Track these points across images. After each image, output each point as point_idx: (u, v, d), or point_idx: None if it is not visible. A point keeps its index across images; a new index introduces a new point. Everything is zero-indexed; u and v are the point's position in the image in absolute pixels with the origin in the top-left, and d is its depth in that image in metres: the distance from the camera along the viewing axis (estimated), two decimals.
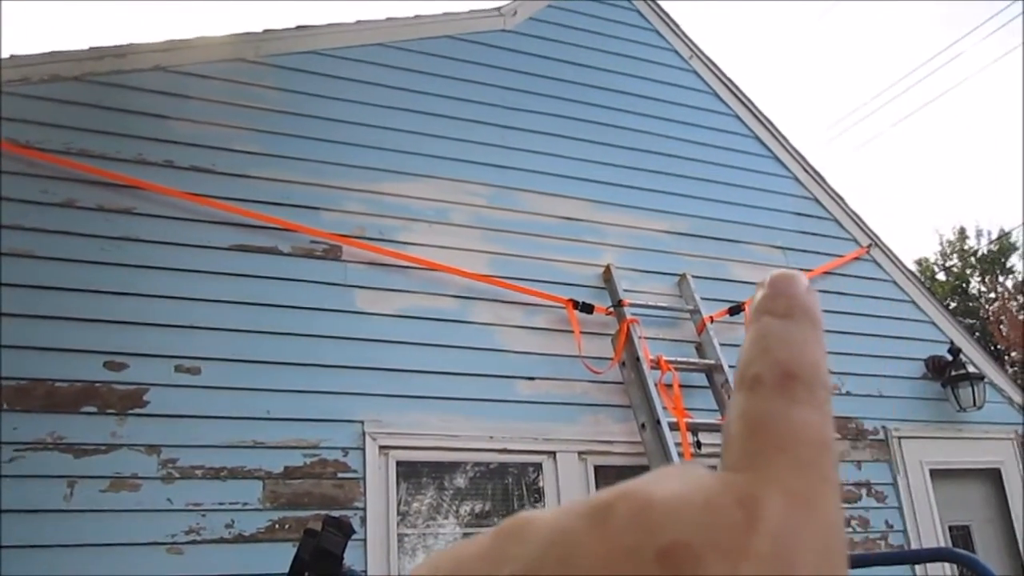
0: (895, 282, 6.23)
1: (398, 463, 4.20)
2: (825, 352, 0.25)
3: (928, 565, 5.13)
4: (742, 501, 0.21)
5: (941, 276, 23.40)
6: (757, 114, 6.23)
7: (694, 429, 4.56)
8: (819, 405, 0.24)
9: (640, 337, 4.72)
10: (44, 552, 3.41)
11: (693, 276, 5.27)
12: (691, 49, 6.20)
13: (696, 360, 4.98)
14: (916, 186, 38.29)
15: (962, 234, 23.72)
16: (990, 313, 21.57)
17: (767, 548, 0.20)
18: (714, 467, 0.24)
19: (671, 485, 0.22)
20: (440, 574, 0.23)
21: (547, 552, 0.21)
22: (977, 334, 19.58)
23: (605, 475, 4.67)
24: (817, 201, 6.20)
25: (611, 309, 4.88)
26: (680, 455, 4.33)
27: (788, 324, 0.25)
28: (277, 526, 3.81)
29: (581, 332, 4.70)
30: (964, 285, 22.98)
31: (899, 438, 5.56)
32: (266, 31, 4.76)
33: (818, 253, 5.95)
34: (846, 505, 5.08)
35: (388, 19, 5.13)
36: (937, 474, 5.60)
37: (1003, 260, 22.85)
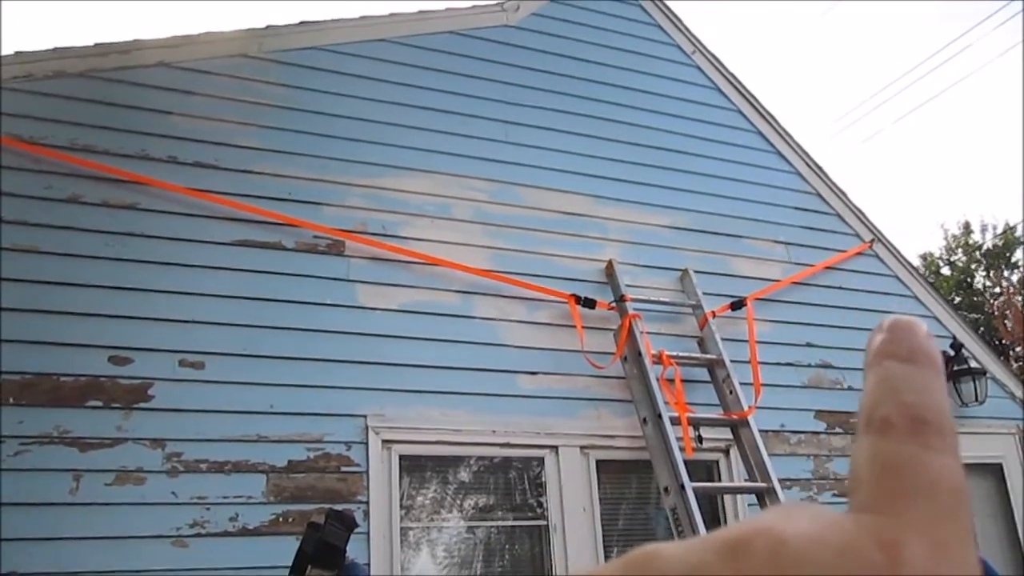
0: (897, 277, 6.23)
1: (401, 457, 4.22)
2: (948, 398, 0.25)
3: None
4: (882, 545, 0.21)
5: (946, 271, 23.35)
6: (760, 109, 6.23)
7: (695, 424, 4.58)
8: (952, 451, 0.24)
9: (642, 332, 4.73)
10: (50, 545, 3.44)
11: (695, 271, 5.28)
12: (693, 44, 6.20)
13: (698, 355, 5.00)
14: (921, 181, 38.18)
15: (967, 229, 23.65)
16: (995, 308, 21.52)
17: None
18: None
19: (804, 523, 0.22)
20: None
21: None
22: (982, 329, 19.55)
23: (607, 469, 4.69)
24: (820, 196, 6.20)
25: (613, 304, 4.89)
26: (681, 449, 4.34)
27: (913, 368, 0.25)
28: (281, 519, 3.84)
29: (583, 327, 4.72)
30: (969, 280, 22.93)
31: None
32: (269, 27, 4.77)
33: (820, 248, 5.95)
34: (845, 499, 5.09)
35: (391, 15, 5.14)
36: None
37: (1008, 255, 22.78)
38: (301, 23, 4.85)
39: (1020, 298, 21.18)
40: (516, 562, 4.49)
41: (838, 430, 5.35)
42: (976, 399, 5.77)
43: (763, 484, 4.50)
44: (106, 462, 3.64)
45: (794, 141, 6.27)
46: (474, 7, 5.43)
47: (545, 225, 5.03)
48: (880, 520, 0.22)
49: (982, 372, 5.90)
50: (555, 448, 4.56)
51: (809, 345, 5.48)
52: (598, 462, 4.64)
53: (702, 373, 4.98)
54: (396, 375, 4.30)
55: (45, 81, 4.14)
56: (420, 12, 5.24)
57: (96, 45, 4.33)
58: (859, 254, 6.13)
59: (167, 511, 3.67)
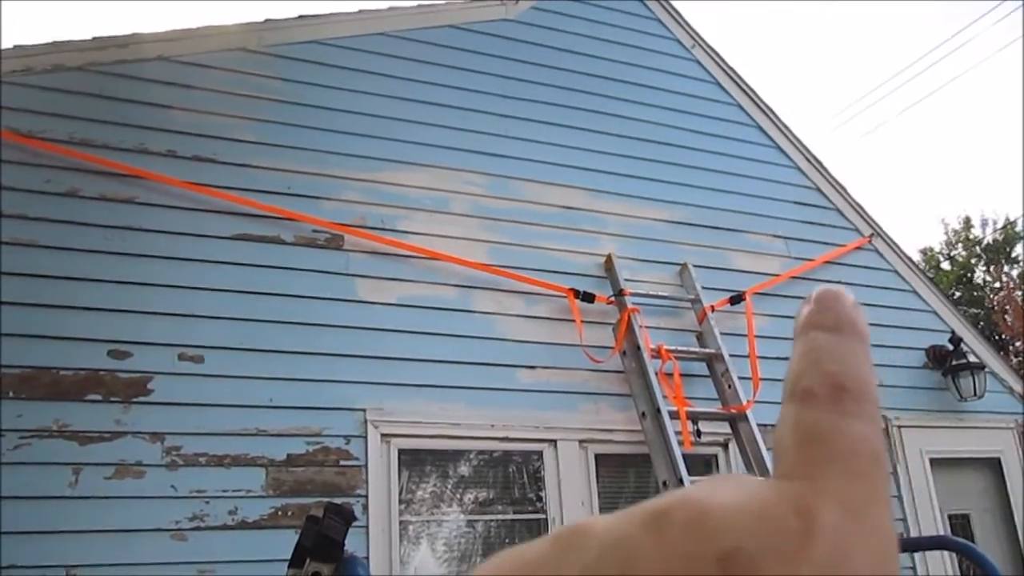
0: (897, 272, 6.23)
1: (400, 451, 4.23)
2: (872, 366, 0.26)
3: (927, 553, 5.15)
4: (798, 510, 0.22)
5: (946, 265, 23.34)
6: (759, 103, 6.23)
7: (694, 418, 4.58)
8: (870, 418, 0.24)
9: (641, 326, 4.74)
10: (49, 538, 3.45)
11: (694, 265, 5.28)
12: (693, 38, 6.19)
13: (697, 349, 5.00)
14: (922, 175, 38.16)
15: (967, 223, 23.64)
16: (995, 303, 21.52)
17: (824, 556, 0.21)
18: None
19: (726, 493, 0.22)
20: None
21: (606, 558, 0.22)
22: (982, 324, 19.55)
23: (606, 463, 4.69)
24: (819, 191, 6.20)
25: (612, 298, 4.89)
26: (680, 443, 4.35)
27: (837, 338, 0.26)
28: (280, 513, 3.85)
29: (582, 321, 4.72)
30: (969, 275, 22.92)
31: (899, 427, 5.57)
32: (268, 21, 4.77)
33: (820, 243, 5.95)
34: None
35: (390, 8, 5.13)
36: (937, 463, 5.62)
37: (1008, 250, 22.77)
38: (300, 17, 4.85)
39: (1020, 293, 21.17)
40: None
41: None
42: (975, 394, 5.77)
43: (761, 478, 4.50)
44: (105, 456, 3.65)
45: (793, 135, 6.26)
46: (473, 1, 5.43)
47: (544, 219, 5.03)
48: (799, 486, 0.23)
49: (981, 367, 5.90)
50: (554, 442, 4.57)
51: None
52: (597, 456, 4.65)
53: (701, 367, 4.98)
54: (395, 369, 4.30)
55: (43, 75, 4.13)
56: (419, 6, 5.23)
57: (95, 39, 4.32)
58: (858, 249, 6.13)
59: (166, 504, 3.68)
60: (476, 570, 0.25)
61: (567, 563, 0.22)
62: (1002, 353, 9.47)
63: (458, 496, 4.48)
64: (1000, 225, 23.00)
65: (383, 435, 4.18)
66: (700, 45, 6.20)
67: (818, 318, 0.27)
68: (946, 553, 5.15)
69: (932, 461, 5.59)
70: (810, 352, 0.26)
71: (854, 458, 0.23)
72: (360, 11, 5.03)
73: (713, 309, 5.09)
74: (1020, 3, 20.02)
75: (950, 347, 5.92)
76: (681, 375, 4.73)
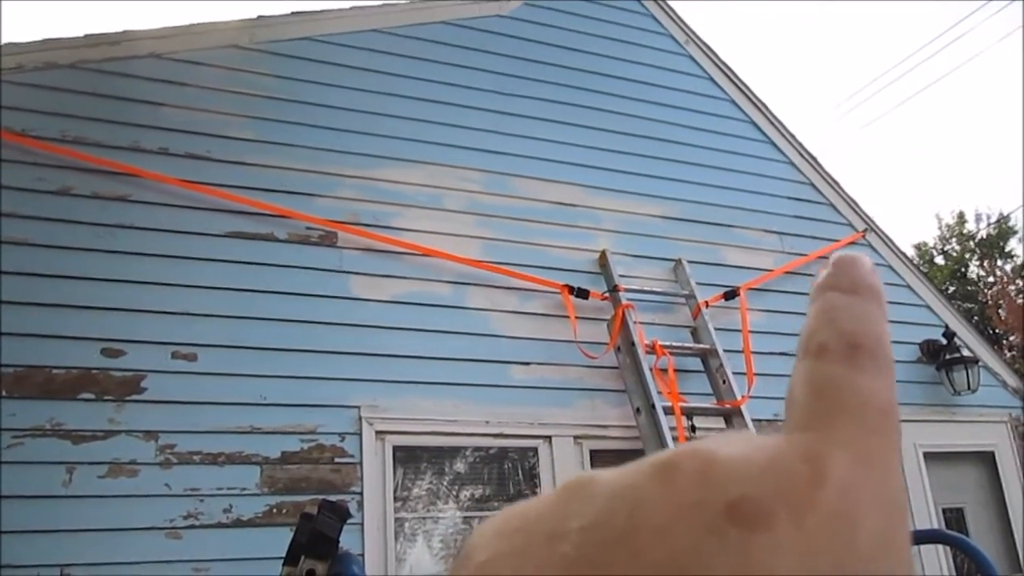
0: (891, 267, 6.24)
1: (395, 448, 4.23)
2: (888, 327, 0.26)
3: (921, 547, 5.17)
4: (808, 457, 0.22)
5: (940, 260, 23.41)
6: (753, 99, 6.23)
7: (689, 413, 4.59)
8: (883, 374, 0.25)
9: (635, 322, 4.74)
10: (43, 537, 3.44)
11: (688, 261, 5.28)
12: (687, 34, 6.19)
13: (691, 345, 5.01)
14: (917, 169, 38.25)
15: (961, 218, 23.71)
16: (989, 297, 21.58)
17: (832, 502, 0.21)
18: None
19: (735, 445, 0.23)
20: (508, 529, 0.24)
21: (614, 506, 0.22)
22: (976, 318, 19.61)
23: (601, 459, 4.70)
24: (813, 186, 6.21)
25: (606, 294, 4.90)
26: (675, 439, 4.35)
27: (853, 299, 0.26)
28: (275, 511, 3.84)
29: (576, 317, 4.72)
30: (963, 269, 22.99)
31: None
32: (260, 17, 4.75)
33: (814, 238, 5.95)
34: None
35: (383, 5, 5.12)
36: (931, 457, 5.63)
37: (1002, 244, 22.85)
38: (293, 14, 4.83)
39: (1014, 287, 21.24)
40: None
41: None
42: (969, 388, 5.79)
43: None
44: (99, 454, 3.64)
45: (787, 131, 6.27)
46: None
47: (538, 215, 5.03)
48: (809, 437, 0.23)
49: (974, 361, 5.92)
50: (548, 438, 4.57)
51: None
52: (592, 452, 4.65)
53: (695, 363, 4.99)
54: (389, 366, 4.30)
55: (35, 72, 4.12)
56: (412, 2, 5.22)
57: (86, 36, 4.31)
58: (852, 244, 6.13)
59: (160, 503, 3.67)
60: (482, 524, 0.25)
61: (574, 513, 0.22)
62: (995, 347, 9.50)
63: (454, 493, 4.48)
64: (994, 220, 23.07)
65: (377, 432, 4.18)
66: (693, 41, 6.20)
67: (835, 280, 0.27)
68: (940, 546, 5.16)
69: (926, 455, 5.60)
70: (826, 311, 0.26)
71: (865, 410, 0.23)
72: (353, 7, 5.02)
73: (707, 305, 5.09)
74: None
75: (944, 341, 5.93)
76: (676, 371, 4.73)
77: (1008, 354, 18.29)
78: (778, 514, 0.21)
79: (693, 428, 4.55)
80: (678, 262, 5.30)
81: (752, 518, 0.21)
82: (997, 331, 19.96)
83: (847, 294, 0.26)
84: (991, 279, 22.32)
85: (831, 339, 0.25)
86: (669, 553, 0.21)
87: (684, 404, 4.59)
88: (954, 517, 5.70)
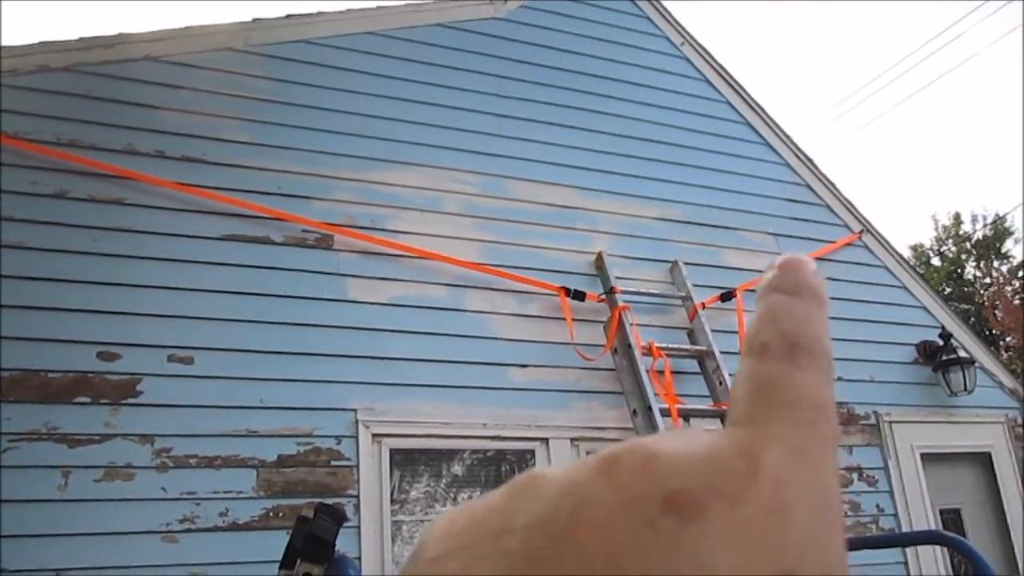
0: (887, 268, 6.25)
1: (392, 451, 4.22)
2: (828, 327, 0.27)
3: (918, 548, 5.17)
4: (744, 452, 0.23)
5: (936, 261, 23.44)
6: (749, 100, 6.24)
7: (685, 415, 4.59)
8: (820, 371, 0.26)
9: (632, 324, 4.74)
10: (39, 542, 3.43)
11: (685, 263, 5.29)
12: (682, 36, 6.20)
13: (688, 346, 5.01)
14: (914, 170, 38.32)
15: (957, 219, 23.75)
16: (985, 298, 21.62)
17: (765, 495, 0.22)
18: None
19: (676, 440, 0.23)
20: (457, 527, 0.25)
21: (559, 503, 0.23)
22: (972, 319, 19.63)
23: None
24: (809, 187, 6.22)
25: (603, 296, 4.90)
26: None
27: (795, 300, 0.27)
28: (271, 514, 3.83)
29: (573, 319, 4.72)
30: (959, 270, 23.03)
31: (890, 423, 5.59)
32: (255, 20, 4.75)
33: (810, 239, 5.96)
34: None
35: (378, 7, 5.12)
36: (928, 458, 5.64)
37: (998, 245, 22.89)
38: (288, 17, 4.83)
39: (1010, 288, 21.28)
40: None
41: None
42: (965, 388, 5.79)
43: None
44: (95, 458, 3.63)
45: (783, 132, 6.28)
46: None
47: (535, 218, 5.03)
48: (746, 432, 0.24)
49: (971, 362, 5.92)
50: (546, 440, 4.57)
51: None
52: (588, 454, 4.64)
53: (692, 364, 4.99)
54: (386, 369, 4.30)
55: (30, 76, 4.11)
56: (408, 4, 5.22)
57: (81, 39, 4.30)
58: (848, 245, 6.14)
59: (157, 507, 3.66)
60: (434, 521, 0.25)
61: (521, 509, 0.23)
62: (992, 348, 9.51)
63: (451, 496, 4.47)
64: (990, 221, 23.12)
65: (374, 435, 4.18)
66: (689, 43, 6.21)
67: (779, 282, 0.28)
68: (937, 548, 5.17)
69: (923, 456, 5.61)
70: (769, 312, 0.27)
71: (801, 405, 0.24)
72: (348, 10, 5.01)
73: (704, 306, 5.09)
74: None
75: (940, 342, 5.94)
76: (672, 372, 4.73)
77: (1005, 355, 18.32)
78: (712, 505, 0.21)
79: None
80: (674, 264, 5.30)
81: (686, 509, 0.21)
82: (994, 332, 19.99)
83: (790, 295, 0.27)
84: (987, 280, 22.35)
85: (772, 339, 0.26)
86: (610, 547, 0.21)
87: (681, 406, 4.59)
88: (951, 518, 5.70)
